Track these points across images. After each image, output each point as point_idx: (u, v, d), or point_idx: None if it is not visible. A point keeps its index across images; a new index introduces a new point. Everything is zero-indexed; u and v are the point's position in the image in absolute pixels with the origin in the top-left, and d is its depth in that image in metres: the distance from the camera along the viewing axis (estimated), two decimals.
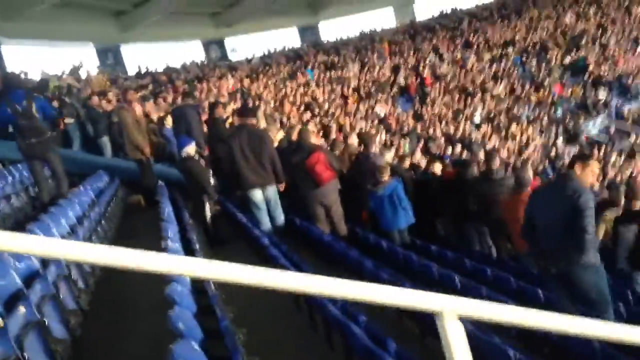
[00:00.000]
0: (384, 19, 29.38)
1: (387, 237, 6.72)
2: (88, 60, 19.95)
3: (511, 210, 6.19)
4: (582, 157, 4.50)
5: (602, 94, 18.98)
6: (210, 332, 2.98)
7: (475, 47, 23.80)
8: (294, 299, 4.28)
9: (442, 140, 16.45)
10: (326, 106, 18.57)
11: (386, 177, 6.82)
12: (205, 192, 6.47)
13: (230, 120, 10.52)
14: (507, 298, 4.44)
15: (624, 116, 18.09)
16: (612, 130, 17.44)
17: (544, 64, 21.43)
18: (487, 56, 22.82)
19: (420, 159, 13.42)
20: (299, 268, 4.50)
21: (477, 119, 18.42)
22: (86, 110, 10.05)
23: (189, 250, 4.58)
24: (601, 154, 15.83)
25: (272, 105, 18.11)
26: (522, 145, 16.11)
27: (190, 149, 6.67)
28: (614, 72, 20.03)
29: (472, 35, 24.78)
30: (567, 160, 15.43)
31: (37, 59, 18.41)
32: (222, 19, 24.48)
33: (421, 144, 15.21)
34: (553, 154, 15.83)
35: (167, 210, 5.61)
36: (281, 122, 16.02)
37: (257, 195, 6.51)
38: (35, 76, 15.55)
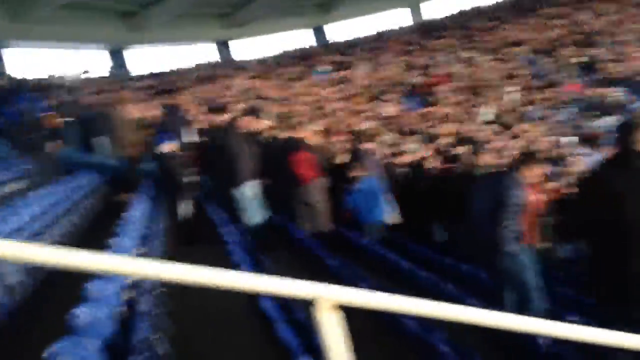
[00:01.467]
0: (397, 19, 29.19)
1: (366, 231, 6.69)
2: (99, 62, 20.23)
3: None
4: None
5: (616, 93, 18.51)
6: None
7: (487, 45, 23.48)
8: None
9: (450, 139, 16.21)
10: (333, 106, 18.48)
11: (360, 172, 6.76)
12: (179, 190, 6.43)
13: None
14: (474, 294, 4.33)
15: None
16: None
17: (557, 63, 21.03)
18: (499, 55, 22.49)
19: (428, 157, 13.22)
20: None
21: (487, 118, 18.11)
22: (82, 110, 10.10)
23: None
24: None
25: (279, 104, 18.10)
26: (530, 145, 15.76)
27: (167, 146, 6.62)
28: (629, 71, 19.54)
29: (485, 33, 24.45)
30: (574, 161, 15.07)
31: (47, 61, 18.66)
32: (232, 20, 24.54)
33: (426, 143, 14.92)
34: (561, 153, 15.44)
35: (137, 208, 5.59)
36: (288, 122, 16.04)
37: (249, 190, 6.42)
38: (43, 77, 15.78)
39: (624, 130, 3.70)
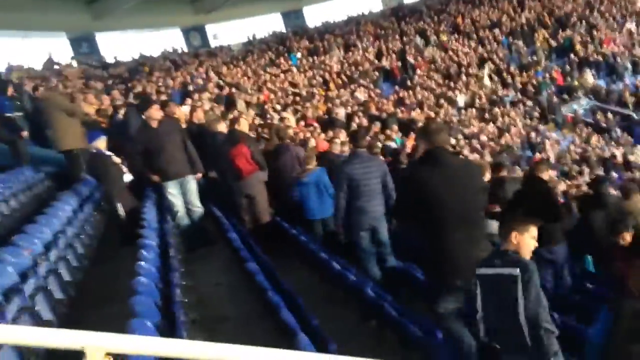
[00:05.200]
0: (370, 2, 28.77)
1: (312, 227, 6.55)
2: (61, 50, 19.54)
3: None
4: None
5: (588, 76, 18.56)
6: None
7: (461, 29, 23.32)
8: None
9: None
10: (305, 93, 18.16)
11: (312, 165, 6.66)
12: (113, 189, 6.20)
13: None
14: None
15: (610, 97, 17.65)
16: (597, 111, 17.03)
17: (530, 46, 21.00)
18: (473, 39, 22.36)
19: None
20: None
21: (460, 103, 18.00)
22: (33, 102, 9.67)
23: None
24: (584, 134, 15.53)
25: (250, 92, 17.68)
26: (504, 129, 15.70)
27: (99, 143, 6.36)
28: (600, 53, 19.58)
29: (458, 17, 24.26)
30: (549, 144, 15.06)
31: (9, 50, 17.95)
32: (202, 5, 23.90)
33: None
34: (535, 138, 15.42)
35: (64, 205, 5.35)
36: (261, 110, 15.69)
37: (174, 185, 6.25)
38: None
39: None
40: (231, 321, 4.28)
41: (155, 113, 6.14)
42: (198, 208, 6.44)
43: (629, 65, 18.93)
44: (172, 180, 6.24)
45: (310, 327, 3.41)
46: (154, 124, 6.12)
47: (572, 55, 19.76)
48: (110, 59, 20.36)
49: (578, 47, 20.22)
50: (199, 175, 6.50)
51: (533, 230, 3.33)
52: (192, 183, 6.34)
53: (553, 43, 20.89)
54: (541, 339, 3.15)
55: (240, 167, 6.59)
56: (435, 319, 3.78)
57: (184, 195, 6.33)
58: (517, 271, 3.17)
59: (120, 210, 6.16)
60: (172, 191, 6.30)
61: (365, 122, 14.76)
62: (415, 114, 16.69)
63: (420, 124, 11.95)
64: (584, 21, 21.66)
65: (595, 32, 20.83)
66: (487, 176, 7.22)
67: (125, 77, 17.53)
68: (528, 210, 4.78)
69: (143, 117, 6.24)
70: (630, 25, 20.94)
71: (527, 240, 3.31)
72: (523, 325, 3.13)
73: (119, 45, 21.33)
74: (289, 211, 7.01)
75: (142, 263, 3.67)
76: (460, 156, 7.45)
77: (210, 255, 6.13)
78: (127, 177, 6.61)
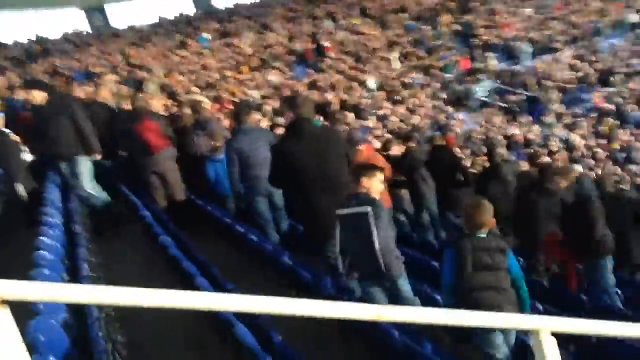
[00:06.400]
0: None
1: (225, 203, 6.58)
2: None
3: None
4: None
5: (491, 59, 19.49)
6: None
7: (370, 13, 23.73)
8: None
9: (337, 107, 16.22)
10: (218, 76, 17.79)
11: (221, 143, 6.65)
12: (11, 169, 5.83)
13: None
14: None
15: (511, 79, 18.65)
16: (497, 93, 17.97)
17: (436, 30, 21.73)
18: (381, 23, 22.82)
19: None
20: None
21: (371, 86, 18.34)
22: None
23: None
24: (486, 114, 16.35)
25: (160, 75, 17.07)
26: (413, 111, 16.19)
27: None
28: (500, 37, 20.62)
29: (368, 1, 24.67)
30: (455, 124, 15.73)
31: None
32: None
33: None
34: (443, 119, 16.03)
35: None
36: (172, 93, 15.21)
37: (65, 167, 5.97)
38: None
39: None
40: None
41: (36, 95, 5.84)
42: (88, 191, 6.03)
43: (530, 49, 20.01)
44: (62, 162, 5.98)
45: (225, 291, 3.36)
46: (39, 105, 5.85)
47: (474, 40, 20.66)
48: (5, 40, 18.93)
49: (481, 31, 21.18)
50: (96, 155, 6.12)
51: (380, 176, 3.94)
52: (81, 165, 5.95)
53: (457, 27, 21.73)
54: (391, 264, 3.75)
55: (149, 141, 6.32)
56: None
57: (74, 178, 6.01)
58: (369, 208, 3.71)
59: (21, 191, 5.76)
60: (66, 173, 6.02)
61: (279, 105, 14.71)
62: (329, 96, 16.84)
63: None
64: (484, 6, 22.72)
65: (495, 17, 21.90)
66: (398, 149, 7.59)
67: (22, 60, 16.40)
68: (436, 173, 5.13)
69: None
70: (529, 10, 22.20)
71: (375, 184, 3.89)
72: (378, 253, 3.68)
73: (15, 25, 19.88)
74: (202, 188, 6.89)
75: (44, 239, 3.44)
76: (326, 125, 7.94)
77: (121, 235, 5.87)
78: (28, 157, 6.16)
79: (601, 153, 13.69)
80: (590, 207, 5.78)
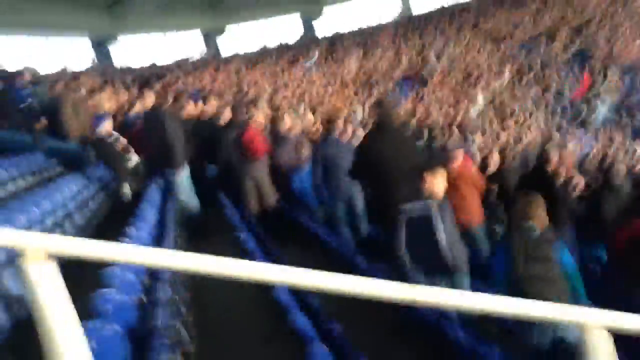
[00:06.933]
0: (387, 10, 28.66)
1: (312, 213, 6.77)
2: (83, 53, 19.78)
3: None
4: None
5: (613, 77, 18.19)
6: None
7: (481, 33, 23.07)
8: None
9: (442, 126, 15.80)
10: (322, 95, 18.03)
11: (306, 153, 6.90)
12: (119, 174, 6.16)
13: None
14: None
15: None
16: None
17: (549, 51, 20.69)
18: (492, 43, 22.09)
19: None
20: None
21: (480, 105, 17.72)
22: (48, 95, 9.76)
23: None
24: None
25: (268, 94, 17.63)
26: (523, 131, 15.36)
27: (103, 128, 6.34)
28: (621, 57, 19.21)
29: (479, 22, 24.05)
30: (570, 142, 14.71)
31: (30, 51, 18.20)
32: (221, 8, 23.96)
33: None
34: (557, 137, 15.06)
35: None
36: (276, 108, 15.60)
37: (184, 174, 6.24)
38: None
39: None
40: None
41: (147, 98, 6.22)
42: (183, 199, 6.30)
43: None
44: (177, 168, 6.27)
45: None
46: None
47: (592, 62, 19.42)
48: (128, 62, 20.51)
49: (599, 53, 19.86)
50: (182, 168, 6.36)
51: (442, 173, 4.20)
52: (178, 176, 6.24)
53: (575, 46, 20.54)
54: (456, 258, 3.97)
55: (253, 147, 6.60)
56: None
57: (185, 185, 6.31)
58: (434, 203, 3.95)
59: (126, 190, 6.11)
60: (178, 179, 6.32)
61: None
62: (434, 112, 16.47)
63: None
64: (603, 29, 21.31)
65: (614, 41, 20.48)
66: None
67: (144, 79, 17.63)
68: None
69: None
70: None
71: (437, 181, 4.12)
72: (444, 248, 3.89)
73: (140, 48, 21.51)
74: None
75: (132, 228, 3.53)
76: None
77: (210, 243, 5.93)
78: (134, 159, 6.56)
79: None
80: None
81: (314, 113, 15.05)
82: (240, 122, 6.99)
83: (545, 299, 3.56)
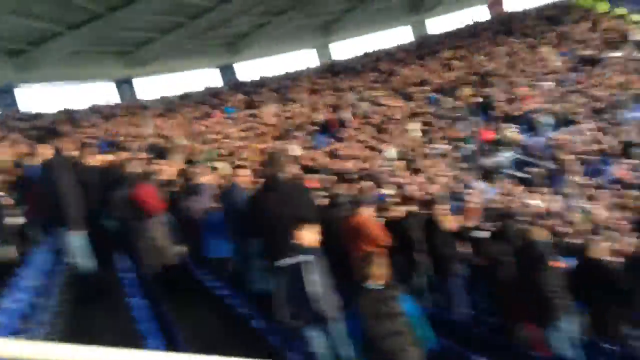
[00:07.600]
0: (305, 59, 29.51)
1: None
2: None
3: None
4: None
5: (510, 130, 19.43)
6: None
7: (392, 85, 24.16)
8: None
9: (356, 176, 16.18)
10: (239, 143, 18.08)
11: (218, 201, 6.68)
12: None
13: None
14: None
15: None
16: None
17: (456, 102, 21.90)
18: (403, 95, 23.16)
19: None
20: None
21: (391, 155, 18.35)
22: None
23: None
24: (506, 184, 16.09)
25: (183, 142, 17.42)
26: (432, 180, 16.03)
27: None
28: (520, 110, 20.62)
29: (390, 74, 25.21)
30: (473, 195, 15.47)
31: None
32: (133, 58, 23.69)
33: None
34: (460, 189, 15.80)
35: None
36: (190, 161, 15.43)
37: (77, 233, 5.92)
38: None
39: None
40: None
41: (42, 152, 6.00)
42: (74, 260, 5.95)
43: (551, 121, 19.84)
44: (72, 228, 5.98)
45: None
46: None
47: (494, 112, 20.69)
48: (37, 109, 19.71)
49: (502, 103, 21.23)
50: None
51: (313, 229, 4.37)
52: (72, 235, 5.90)
53: (477, 99, 21.85)
54: (326, 308, 4.06)
55: (147, 205, 6.32)
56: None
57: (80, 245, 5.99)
58: (311, 257, 4.11)
59: (10, 252, 5.72)
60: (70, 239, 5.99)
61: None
62: (348, 164, 16.87)
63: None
64: (505, 79, 22.88)
65: (515, 90, 22.00)
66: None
67: (50, 129, 16.96)
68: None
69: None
70: (548, 84, 22.24)
71: (307, 235, 4.32)
72: (313, 301, 4.01)
73: (45, 97, 20.79)
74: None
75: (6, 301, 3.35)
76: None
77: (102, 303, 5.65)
78: (19, 220, 6.18)
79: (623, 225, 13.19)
80: None
81: (230, 162, 15.09)
82: (134, 177, 6.74)
83: (400, 351, 3.85)
